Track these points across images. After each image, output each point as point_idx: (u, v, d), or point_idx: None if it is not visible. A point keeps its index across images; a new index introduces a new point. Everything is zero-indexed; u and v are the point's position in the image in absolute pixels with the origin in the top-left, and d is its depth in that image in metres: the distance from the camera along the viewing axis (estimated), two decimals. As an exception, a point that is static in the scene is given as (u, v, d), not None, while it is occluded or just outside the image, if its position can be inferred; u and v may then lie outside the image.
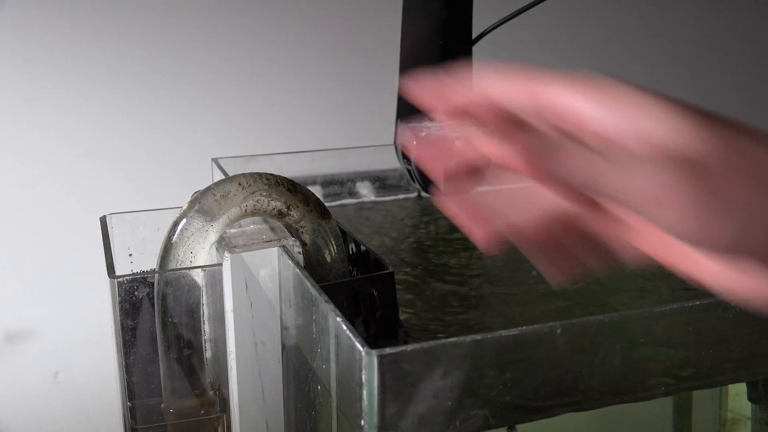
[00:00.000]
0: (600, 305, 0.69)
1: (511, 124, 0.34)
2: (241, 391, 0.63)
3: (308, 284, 0.55)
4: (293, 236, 0.64)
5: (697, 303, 0.51)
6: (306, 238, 0.64)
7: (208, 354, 0.62)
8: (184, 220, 0.60)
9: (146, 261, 0.70)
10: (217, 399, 0.63)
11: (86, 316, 1.17)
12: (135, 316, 0.60)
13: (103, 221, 0.69)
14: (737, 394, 0.74)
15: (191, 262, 0.60)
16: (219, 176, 0.80)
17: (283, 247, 0.63)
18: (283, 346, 0.67)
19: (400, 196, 0.99)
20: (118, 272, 0.60)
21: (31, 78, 1.15)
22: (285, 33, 1.27)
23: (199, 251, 0.60)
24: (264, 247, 0.63)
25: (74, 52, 1.16)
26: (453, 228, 0.87)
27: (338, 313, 0.50)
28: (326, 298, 0.53)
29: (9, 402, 1.19)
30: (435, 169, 0.33)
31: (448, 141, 0.34)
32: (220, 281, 0.60)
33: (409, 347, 0.46)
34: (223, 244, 0.62)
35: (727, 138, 0.32)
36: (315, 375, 0.57)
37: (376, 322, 0.64)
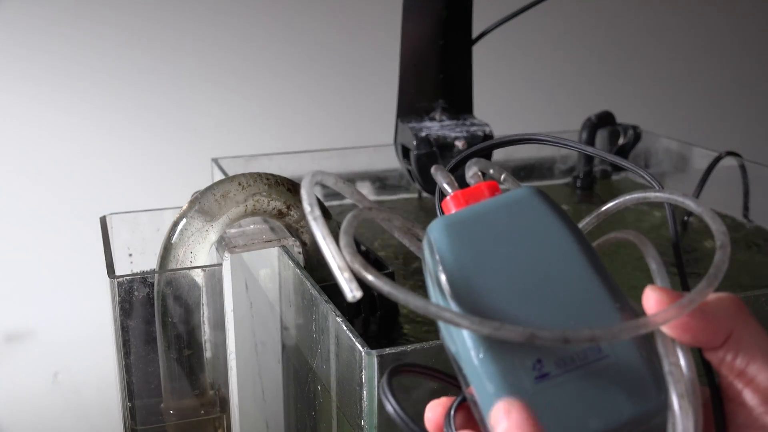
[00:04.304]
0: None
1: None
2: (241, 391, 0.63)
3: (308, 284, 0.55)
4: (293, 236, 0.64)
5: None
6: (306, 238, 0.64)
7: (207, 354, 0.62)
8: (184, 220, 0.60)
9: (146, 261, 0.70)
10: (217, 399, 0.63)
11: (86, 316, 1.17)
12: (135, 316, 0.60)
13: (103, 221, 0.69)
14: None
15: (191, 262, 0.60)
16: (219, 176, 0.80)
17: (283, 247, 0.63)
18: (283, 346, 0.67)
19: (400, 196, 0.99)
20: (118, 272, 0.60)
21: (31, 78, 1.15)
22: (285, 33, 1.27)
23: (199, 251, 0.60)
24: (264, 247, 0.63)
25: (74, 52, 1.16)
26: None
27: (338, 313, 0.50)
28: (326, 298, 0.53)
29: (9, 402, 1.19)
30: None
31: None
32: (220, 281, 0.60)
33: (409, 347, 0.46)
34: (223, 244, 0.62)
35: None
36: (315, 375, 0.57)
37: (376, 322, 0.64)
